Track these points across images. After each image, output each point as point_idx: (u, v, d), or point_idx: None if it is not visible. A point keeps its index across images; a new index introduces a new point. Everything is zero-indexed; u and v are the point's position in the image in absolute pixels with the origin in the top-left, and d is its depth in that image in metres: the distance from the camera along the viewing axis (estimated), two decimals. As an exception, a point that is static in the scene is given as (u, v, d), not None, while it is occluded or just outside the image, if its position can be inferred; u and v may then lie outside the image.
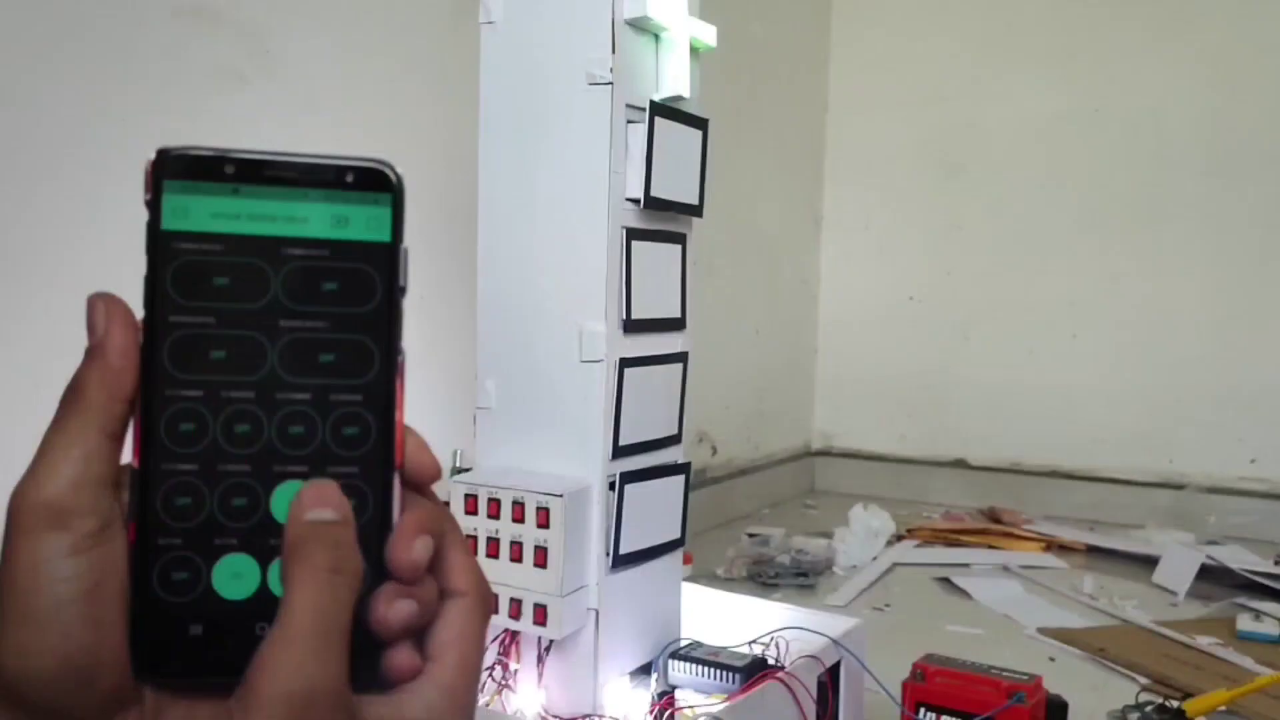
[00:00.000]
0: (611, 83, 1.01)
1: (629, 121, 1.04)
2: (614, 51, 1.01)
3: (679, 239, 1.13)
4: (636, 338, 1.06)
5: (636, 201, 1.05)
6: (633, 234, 1.05)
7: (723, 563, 1.97)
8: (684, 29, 1.08)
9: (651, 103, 1.04)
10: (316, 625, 0.31)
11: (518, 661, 1.06)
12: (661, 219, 1.10)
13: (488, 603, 0.36)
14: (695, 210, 1.13)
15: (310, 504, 0.32)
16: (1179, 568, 1.92)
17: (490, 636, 1.06)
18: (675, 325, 1.13)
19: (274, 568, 0.33)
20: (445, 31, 1.52)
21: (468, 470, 1.09)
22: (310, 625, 0.31)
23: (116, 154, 1.13)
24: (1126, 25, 2.46)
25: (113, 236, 1.07)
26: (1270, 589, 1.83)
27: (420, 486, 0.36)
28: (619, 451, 1.05)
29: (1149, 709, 1.20)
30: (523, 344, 1.07)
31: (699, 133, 1.12)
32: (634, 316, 1.05)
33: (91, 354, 0.33)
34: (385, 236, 0.35)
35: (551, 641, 1.03)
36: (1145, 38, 2.45)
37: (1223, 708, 1.22)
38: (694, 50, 1.11)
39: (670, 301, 1.12)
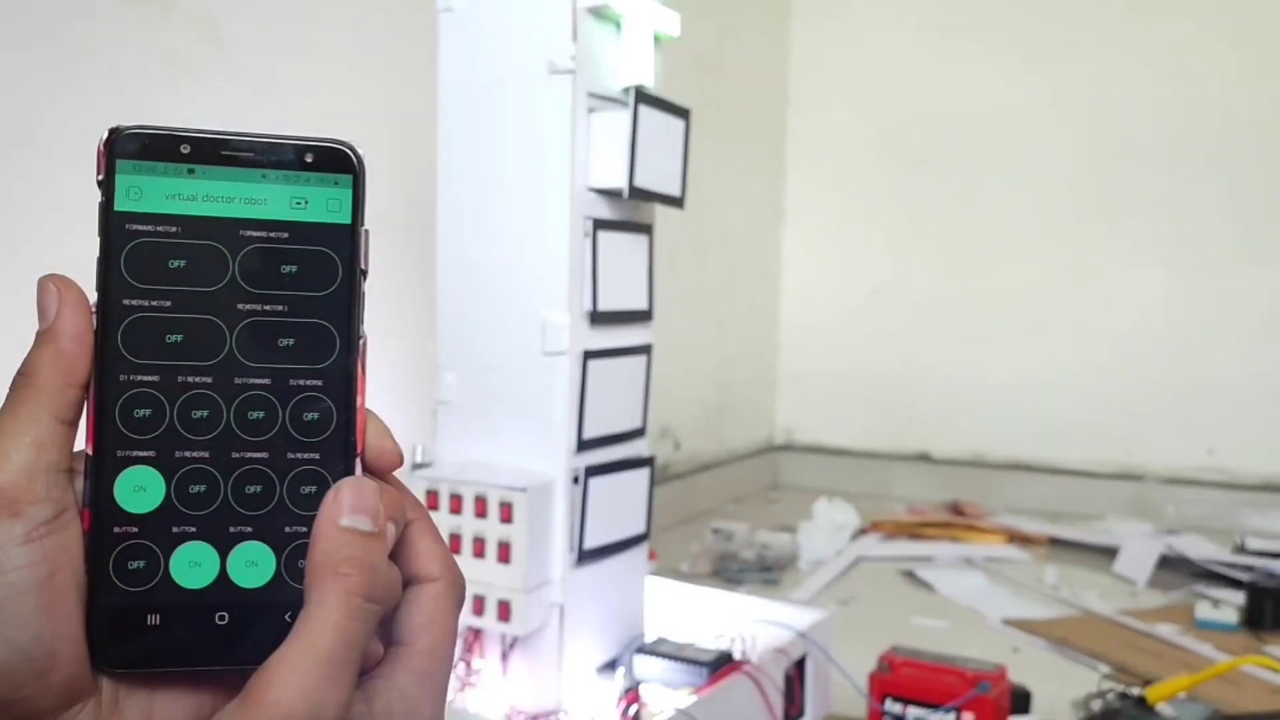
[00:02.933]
0: (573, 71, 1.00)
1: (590, 110, 1.03)
2: (575, 39, 1.00)
3: (645, 229, 1.12)
4: (600, 330, 1.05)
5: (600, 191, 1.04)
6: (600, 224, 1.03)
7: (687, 558, 1.96)
8: (646, 17, 1.07)
9: (636, 90, 1.03)
10: (338, 650, 0.30)
11: (482, 659, 1.04)
12: (629, 209, 1.09)
13: (459, 588, 0.36)
14: (677, 201, 1.12)
15: (348, 506, 0.32)
16: (1139, 558, 1.94)
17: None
18: (642, 317, 1.12)
19: (234, 555, 0.33)
20: (403, 18, 1.50)
21: (429, 465, 1.07)
22: (331, 649, 0.30)
23: (64, 142, 1.10)
24: (1087, 17, 2.48)
25: (63, 221, 1.05)
26: (1228, 577, 1.85)
27: (383, 473, 0.35)
28: (583, 445, 1.03)
29: (1111, 696, 1.21)
30: (484, 336, 1.06)
31: (681, 123, 1.11)
32: (600, 308, 1.04)
33: (43, 338, 0.32)
34: (345, 218, 0.34)
35: (516, 638, 1.02)
36: (1106, 29, 2.47)
37: (1183, 694, 1.22)
38: (656, 39, 1.10)
39: (637, 293, 1.11)
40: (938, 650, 1.15)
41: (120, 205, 0.32)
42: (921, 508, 2.48)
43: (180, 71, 1.24)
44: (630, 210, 1.09)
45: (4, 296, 0.99)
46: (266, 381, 0.33)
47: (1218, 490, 2.35)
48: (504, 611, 0.98)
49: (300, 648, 0.30)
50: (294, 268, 0.33)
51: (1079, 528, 2.24)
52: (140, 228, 0.32)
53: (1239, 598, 1.68)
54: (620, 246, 1.07)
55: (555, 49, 1.00)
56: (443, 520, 1.01)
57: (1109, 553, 2.04)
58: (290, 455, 0.33)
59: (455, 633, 0.35)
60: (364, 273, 0.34)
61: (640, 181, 1.03)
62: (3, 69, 1.07)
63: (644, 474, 1.12)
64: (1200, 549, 1.99)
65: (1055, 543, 2.18)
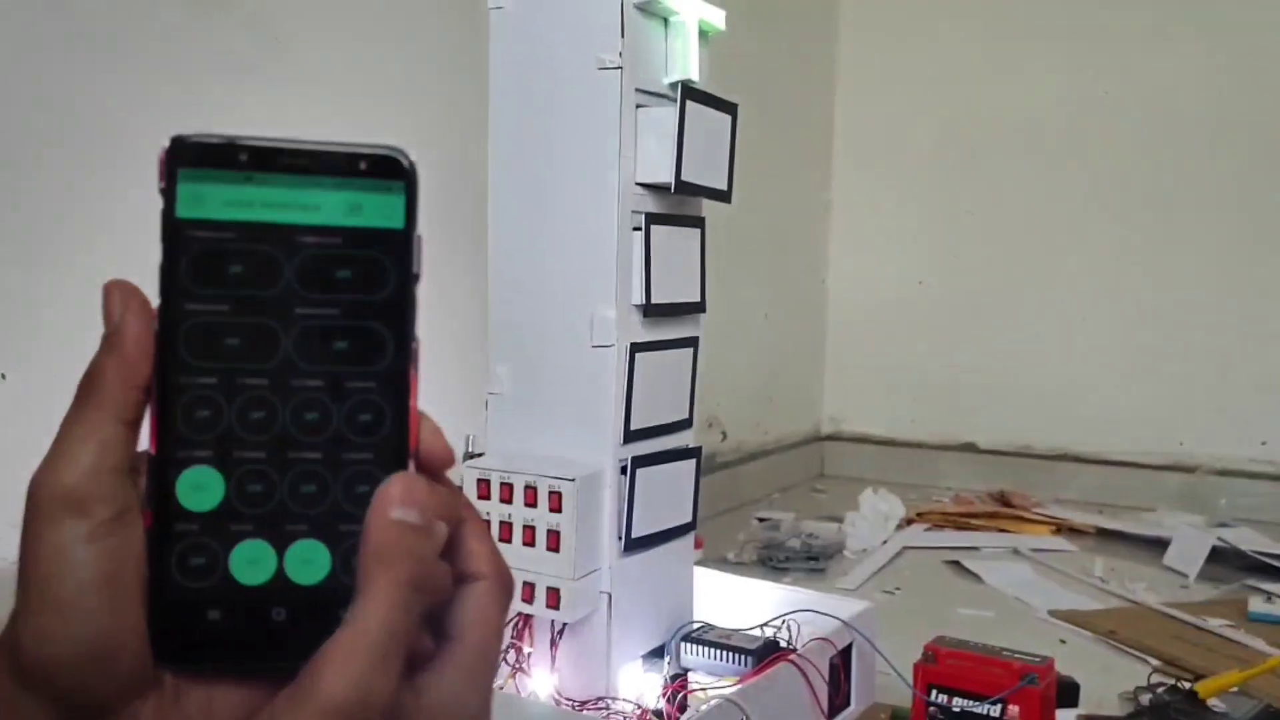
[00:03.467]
0: (620, 67, 1.01)
1: (638, 106, 1.04)
2: (623, 36, 1.01)
3: (698, 223, 1.13)
4: (651, 322, 1.06)
5: (648, 186, 1.05)
6: (652, 218, 1.05)
7: (733, 547, 1.97)
8: (693, 12, 1.08)
9: (683, 85, 1.04)
10: (385, 638, 0.31)
11: (531, 645, 1.07)
12: (678, 203, 1.10)
13: (508, 587, 0.36)
14: (724, 196, 1.13)
15: (399, 500, 0.32)
16: (1189, 550, 1.92)
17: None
18: (695, 309, 1.13)
19: (291, 553, 0.33)
20: (454, 17, 1.52)
21: (480, 455, 1.10)
22: (379, 637, 0.31)
23: (125, 142, 1.13)
24: (1136, 8, 2.45)
25: (123, 224, 1.08)
26: (1281, 570, 1.83)
27: (435, 472, 0.36)
28: (630, 436, 1.05)
29: (1161, 690, 1.21)
30: (534, 329, 1.08)
31: (728, 118, 1.12)
32: (654, 301, 1.05)
33: (107, 342, 0.33)
34: (399, 223, 0.35)
35: (565, 625, 1.04)
36: (1155, 21, 2.43)
37: (1234, 689, 1.22)
38: (703, 34, 1.11)
39: (690, 286, 1.12)
40: (983, 641, 1.15)
41: (181, 212, 0.33)
42: (968, 498, 2.47)
43: (240, 73, 1.27)
44: (681, 204, 1.10)
45: (75, 300, 1.03)
46: (321, 383, 0.34)
47: (1271, 483, 2.32)
48: (553, 599, 1.00)
49: (349, 637, 0.31)
50: (348, 272, 0.34)
51: (1128, 519, 2.22)
52: (200, 234, 0.33)
53: (1292, 591, 1.66)
54: (673, 240, 1.08)
55: (603, 46, 1.02)
56: (493, 509, 1.03)
57: (1159, 545, 2.02)
58: (345, 455, 0.34)
59: (502, 630, 0.36)
60: (417, 277, 0.35)
61: (687, 176, 1.04)
62: (67, 74, 1.10)
63: (690, 464, 1.13)
64: (1253, 541, 1.96)
65: (1103, 534, 2.16)
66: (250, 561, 0.33)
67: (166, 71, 1.19)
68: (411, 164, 0.35)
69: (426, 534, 0.33)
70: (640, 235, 1.04)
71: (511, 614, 1.06)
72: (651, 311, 1.05)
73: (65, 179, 1.10)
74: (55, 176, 1.10)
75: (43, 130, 1.09)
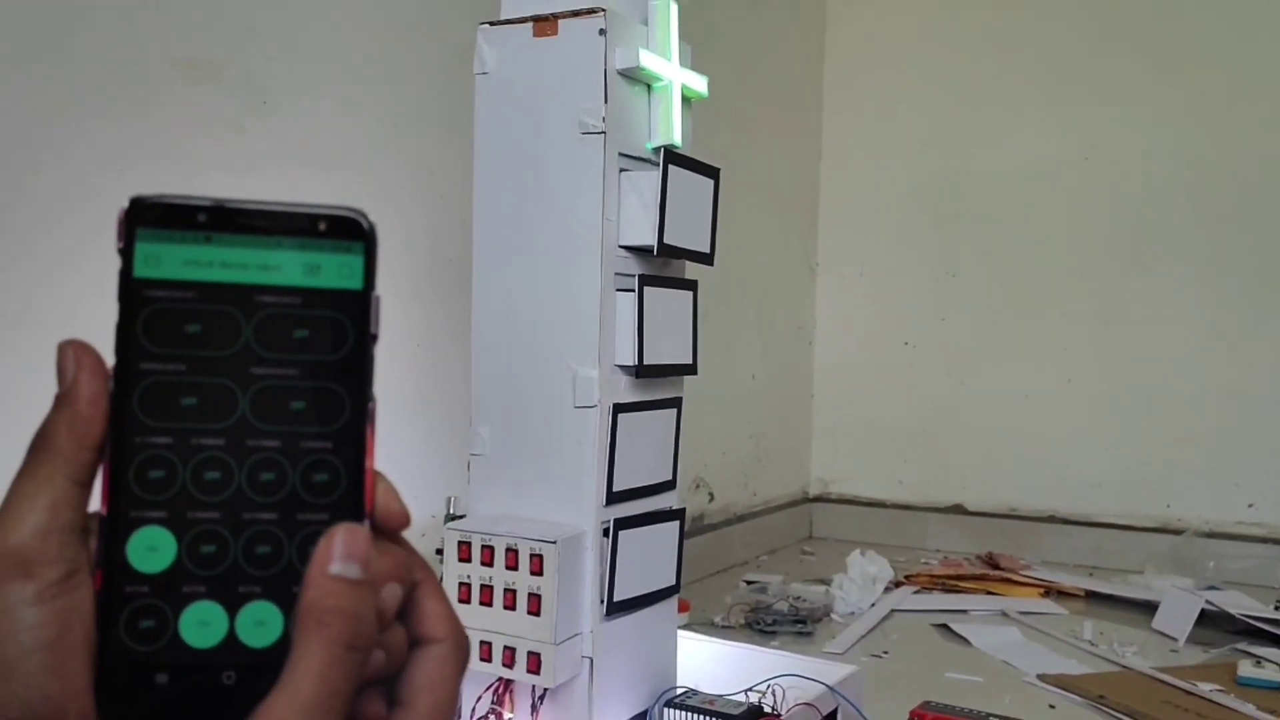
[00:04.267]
0: (604, 132, 1.03)
1: (622, 169, 1.05)
2: (606, 101, 1.03)
3: (690, 285, 1.14)
4: (634, 383, 1.07)
5: (631, 248, 1.06)
6: (645, 280, 1.05)
7: (720, 610, 1.95)
8: (676, 78, 1.09)
9: (665, 150, 1.05)
10: (319, 699, 0.30)
11: (512, 711, 1.05)
12: (663, 265, 1.11)
13: (464, 650, 0.36)
14: (706, 258, 1.14)
15: (339, 553, 0.32)
16: (1179, 613, 1.91)
17: (484, 684, 1.05)
18: (687, 370, 1.13)
19: (242, 615, 0.33)
20: (441, 81, 1.54)
21: (462, 517, 1.09)
22: (313, 697, 0.30)
23: (114, 202, 1.14)
24: (1115, 74, 2.49)
25: (101, 282, 1.08)
26: (1271, 634, 1.81)
27: (390, 533, 0.36)
28: (613, 497, 1.04)
29: (1150, 756, 1.19)
30: (516, 390, 1.08)
31: (711, 182, 1.13)
32: (646, 362, 1.05)
33: (60, 401, 0.33)
34: (357, 284, 0.35)
35: (546, 690, 1.03)
36: (1134, 86, 2.48)
37: (1225, 755, 1.20)
38: (686, 99, 1.13)
39: (682, 347, 1.12)
40: (972, 706, 1.14)
41: (139, 272, 0.33)
42: (956, 560, 2.45)
43: (227, 134, 1.28)
44: (666, 266, 1.11)
45: (33, 357, 1.03)
46: (278, 444, 0.34)
47: (1259, 545, 2.31)
48: (534, 663, 0.99)
49: (283, 696, 0.30)
50: (306, 332, 0.34)
51: (1117, 582, 2.21)
52: (157, 294, 0.33)
53: (1282, 655, 1.65)
54: (665, 301, 1.09)
55: (587, 110, 1.03)
56: (474, 572, 1.02)
57: (1148, 608, 2.01)
58: (300, 516, 0.34)
59: (458, 695, 0.35)
60: (375, 337, 0.35)
61: (670, 239, 1.05)
62: (58, 135, 1.11)
63: (674, 527, 1.13)
64: (1242, 604, 1.95)
65: (1092, 597, 2.15)
66: (201, 624, 0.33)
67: (156, 132, 1.20)
68: (371, 225, 0.35)
69: (367, 590, 0.32)
70: (633, 296, 1.04)
71: (492, 679, 1.05)
72: (644, 372, 1.05)
73: (50, 239, 1.11)
74: (38, 236, 1.10)
75: (26, 188, 1.09)
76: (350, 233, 0.35)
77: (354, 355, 0.35)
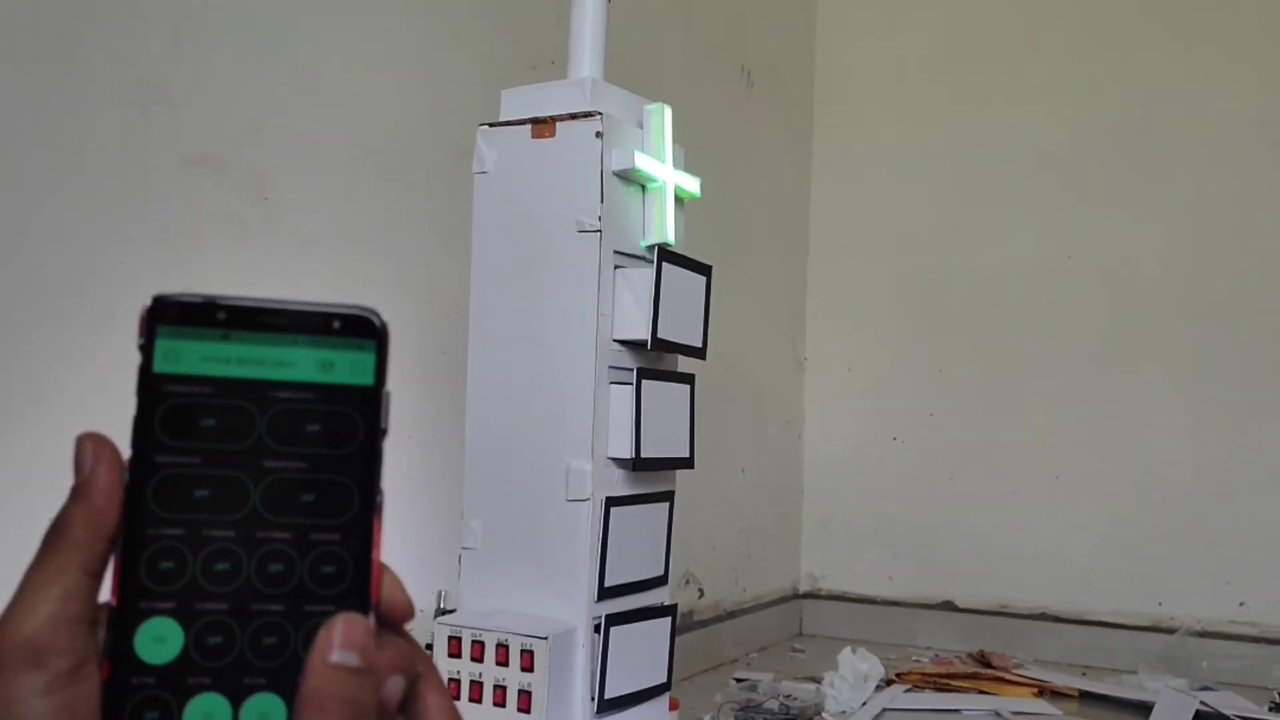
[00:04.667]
0: (600, 230, 1.05)
1: (616, 266, 1.07)
2: (602, 201, 1.05)
3: (687, 379, 1.16)
4: (626, 476, 1.07)
5: (624, 342, 1.08)
6: (643, 373, 1.07)
7: (710, 708, 1.92)
8: (670, 179, 1.12)
9: (659, 248, 1.08)
10: None
11: (499, 812, 1.03)
12: (655, 359, 1.12)
13: None
14: (699, 352, 1.16)
15: (339, 642, 0.32)
16: (1173, 715, 1.89)
17: (471, 785, 1.03)
18: (684, 464, 1.14)
19: (247, 707, 0.33)
20: (441, 179, 1.58)
21: (452, 612, 1.08)
22: None
23: (119, 297, 1.16)
24: (1099, 174, 2.56)
25: (112, 377, 1.09)
26: (1267, 736, 1.79)
27: (394, 624, 0.36)
28: (604, 593, 1.04)
29: None
30: (509, 484, 1.08)
31: (703, 278, 1.16)
32: (644, 455, 1.06)
33: (77, 492, 0.33)
34: (369, 380, 0.36)
35: (534, 790, 1.01)
36: (1118, 188, 2.54)
37: None
38: (679, 199, 1.16)
39: (679, 441, 1.13)
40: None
41: (158, 367, 0.34)
42: (948, 658, 2.43)
43: (232, 229, 1.30)
44: (658, 360, 1.13)
45: (51, 454, 1.03)
46: (287, 535, 0.34)
47: (1252, 644, 2.30)
48: (523, 762, 0.98)
49: None
50: (318, 427, 0.35)
51: (1110, 682, 2.19)
52: (176, 388, 0.34)
53: (1278, 758, 1.63)
54: (662, 395, 1.10)
55: (584, 210, 1.06)
56: (464, 668, 1.01)
57: (1143, 709, 1.98)
58: (307, 607, 0.34)
59: None
60: (384, 432, 0.36)
61: (663, 334, 1.07)
62: (65, 227, 1.13)
63: (666, 623, 1.12)
64: (1236, 705, 1.93)
65: (1086, 697, 2.12)
66: (205, 716, 0.33)
67: (162, 228, 1.22)
68: (383, 323, 0.36)
69: (367, 678, 0.32)
70: (627, 390, 1.06)
71: (480, 778, 1.03)
72: (641, 465, 1.06)
73: (55, 330, 1.12)
74: (43, 327, 1.11)
75: (33, 279, 1.11)
76: (363, 331, 0.36)
77: (364, 449, 0.35)
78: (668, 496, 1.14)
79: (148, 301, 0.34)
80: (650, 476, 1.11)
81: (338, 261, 1.44)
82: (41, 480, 1.02)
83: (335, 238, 1.44)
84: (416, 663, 0.36)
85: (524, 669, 0.98)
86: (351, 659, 0.32)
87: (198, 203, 1.27)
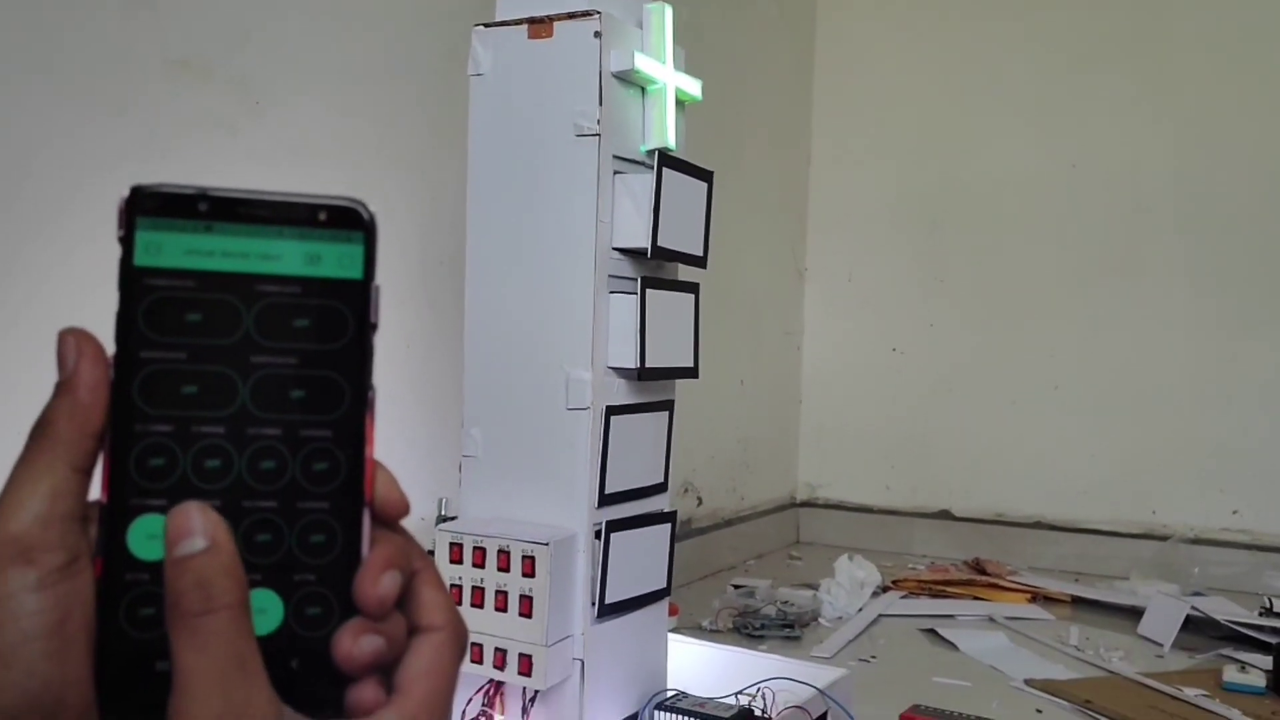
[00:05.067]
0: (599, 134, 1.03)
1: (616, 172, 1.05)
2: (601, 104, 1.03)
3: (692, 289, 1.14)
4: (626, 385, 1.07)
5: (624, 250, 1.06)
6: (647, 282, 1.05)
7: (708, 614, 1.95)
8: (670, 81, 1.10)
9: (660, 153, 1.05)
10: (207, 682, 0.30)
11: (502, 712, 1.05)
12: (656, 268, 1.11)
13: (461, 639, 0.36)
14: (700, 261, 1.14)
15: (175, 536, 0.32)
16: (1164, 619, 1.92)
17: (475, 686, 1.05)
18: (688, 374, 1.13)
19: None
20: (435, 83, 1.54)
21: (453, 519, 1.09)
22: (201, 686, 0.30)
23: (107, 201, 1.14)
24: (1105, 83, 2.51)
25: (98, 277, 1.08)
26: (1255, 640, 1.82)
27: (390, 521, 0.36)
28: (605, 500, 1.05)
29: (1137, 761, 1.20)
30: (509, 392, 1.08)
31: (704, 185, 1.14)
32: (648, 365, 1.05)
33: (61, 389, 0.33)
34: (357, 274, 0.35)
35: (537, 692, 1.03)
36: (1123, 95, 2.49)
37: (1210, 759, 1.21)
38: (680, 103, 1.13)
39: (683, 351, 1.12)
40: (960, 710, 1.15)
41: (139, 260, 0.33)
42: (943, 565, 2.46)
43: (220, 132, 1.28)
44: (659, 269, 1.11)
45: (39, 348, 1.02)
46: (278, 432, 0.34)
47: (1244, 552, 2.33)
48: (525, 665, 0.99)
49: (176, 693, 0.30)
50: (306, 321, 0.34)
51: (1103, 588, 2.22)
52: (158, 282, 0.33)
53: (1267, 661, 1.66)
54: (667, 304, 1.09)
55: (582, 113, 1.03)
56: (466, 574, 1.02)
57: (1134, 613, 2.01)
58: (300, 504, 0.34)
59: (454, 683, 0.35)
60: (374, 326, 0.35)
61: (664, 242, 1.06)
62: (51, 130, 1.11)
63: (665, 529, 1.13)
64: (1227, 611, 1.96)
65: (1078, 602, 2.16)
66: None
67: (149, 130, 1.20)
68: (371, 215, 0.35)
69: (210, 552, 0.31)
70: (627, 299, 1.04)
71: (483, 680, 1.04)
72: (645, 375, 1.05)
73: (43, 238, 1.10)
74: (30, 234, 1.10)
75: (19, 186, 1.09)
76: (351, 223, 0.35)
77: (354, 345, 0.35)
78: (667, 405, 1.14)
79: (125, 192, 0.33)
80: (650, 385, 1.11)
81: (331, 170, 1.41)
82: (32, 388, 1.02)
83: (328, 146, 1.41)
84: (412, 559, 0.35)
85: (525, 574, 0.99)
86: (196, 545, 0.31)
87: (185, 108, 1.24)
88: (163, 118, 1.21)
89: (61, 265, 1.11)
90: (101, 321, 0.34)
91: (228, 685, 0.30)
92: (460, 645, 0.36)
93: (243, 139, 1.30)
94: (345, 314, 0.35)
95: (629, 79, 1.06)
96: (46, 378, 0.33)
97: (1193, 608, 1.93)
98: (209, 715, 0.30)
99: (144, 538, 0.33)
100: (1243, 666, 1.66)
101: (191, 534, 0.31)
